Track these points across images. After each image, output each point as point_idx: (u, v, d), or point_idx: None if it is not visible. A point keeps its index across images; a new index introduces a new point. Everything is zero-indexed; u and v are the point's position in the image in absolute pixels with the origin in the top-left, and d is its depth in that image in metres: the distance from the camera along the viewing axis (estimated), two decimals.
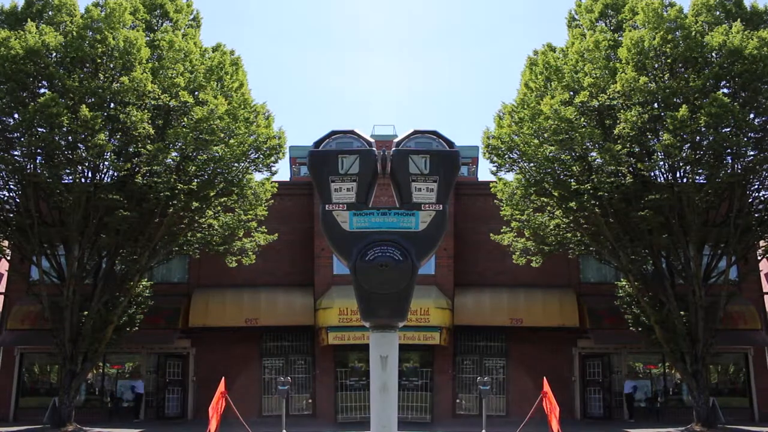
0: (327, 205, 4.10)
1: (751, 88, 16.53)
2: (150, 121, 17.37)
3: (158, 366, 22.04)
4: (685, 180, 17.78)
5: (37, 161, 17.63)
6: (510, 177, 19.98)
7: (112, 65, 17.24)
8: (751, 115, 17.10)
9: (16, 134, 17.30)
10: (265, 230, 20.56)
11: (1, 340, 21.62)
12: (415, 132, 4.41)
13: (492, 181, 20.82)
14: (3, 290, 23.06)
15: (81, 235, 17.74)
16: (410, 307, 4.24)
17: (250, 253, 20.37)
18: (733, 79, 16.86)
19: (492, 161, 19.20)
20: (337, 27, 63.84)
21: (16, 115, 17.07)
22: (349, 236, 4.06)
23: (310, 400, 21.95)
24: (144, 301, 19.86)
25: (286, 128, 20.37)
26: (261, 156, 18.95)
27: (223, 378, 16.33)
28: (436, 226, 4.08)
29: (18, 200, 18.24)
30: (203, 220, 19.16)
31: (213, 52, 19.29)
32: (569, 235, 19.66)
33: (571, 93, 17.77)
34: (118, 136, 17.42)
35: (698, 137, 16.62)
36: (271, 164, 19.35)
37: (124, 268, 18.89)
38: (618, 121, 17.23)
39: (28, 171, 17.45)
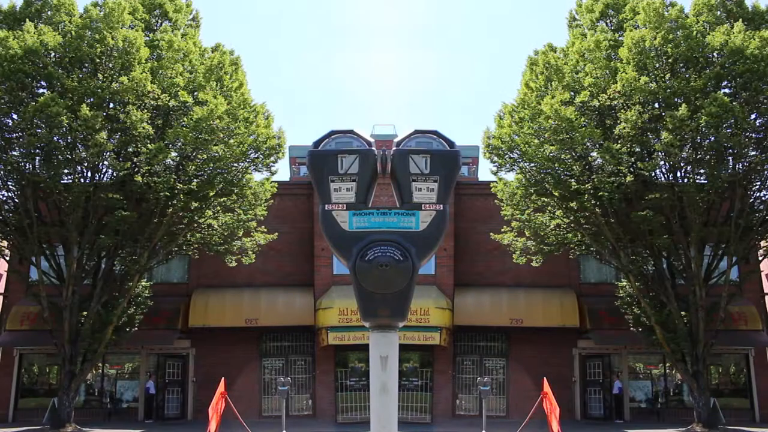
0: (327, 205, 4.08)
1: (753, 87, 16.50)
2: (149, 121, 17.35)
3: (158, 366, 22.00)
4: (685, 180, 17.76)
5: (36, 161, 17.60)
6: (510, 177, 19.98)
7: (111, 65, 17.22)
8: (753, 116, 17.07)
9: (14, 134, 17.27)
10: (265, 230, 20.54)
11: (0, 341, 21.59)
12: (416, 132, 4.41)
13: (492, 181, 20.80)
14: (2, 291, 23.03)
15: (80, 235, 17.72)
16: (410, 307, 4.21)
17: (250, 252, 20.35)
18: (735, 79, 16.82)
19: (492, 161, 19.19)
20: (338, 26, 63.86)
21: (14, 116, 17.05)
22: (348, 236, 4.04)
23: (310, 401, 21.93)
24: (143, 302, 19.83)
25: (285, 128, 20.38)
26: (261, 156, 18.93)
27: (222, 378, 16.32)
28: (437, 226, 4.06)
29: (17, 200, 18.20)
30: (203, 220, 19.13)
31: (212, 52, 19.27)
32: (569, 235, 19.63)
33: (572, 93, 17.75)
34: (117, 136, 17.39)
35: (699, 137, 16.60)
36: (271, 164, 19.35)
37: (123, 269, 18.86)
38: (618, 121, 17.21)
39: (27, 171, 17.43)
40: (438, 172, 4.07)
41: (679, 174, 18.00)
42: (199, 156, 18.01)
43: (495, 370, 22.19)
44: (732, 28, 16.77)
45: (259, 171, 19.58)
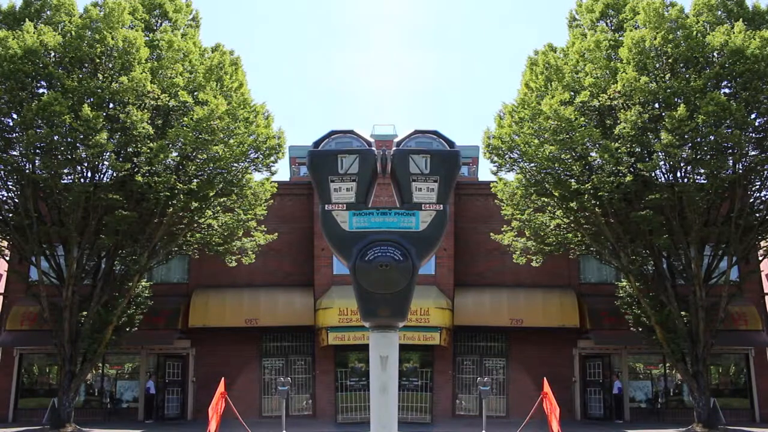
0: (327, 205, 4.08)
1: (753, 87, 16.49)
2: (149, 121, 17.34)
3: (158, 366, 22.00)
4: (685, 180, 17.75)
5: (36, 161, 17.59)
6: (510, 177, 19.98)
7: (111, 65, 17.21)
8: (753, 116, 17.06)
9: (14, 134, 17.26)
10: (265, 230, 20.54)
11: (0, 341, 21.59)
12: (416, 132, 4.41)
13: (492, 181, 20.80)
14: (2, 291, 23.02)
15: (80, 235, 17.71)
16: (410, 307, 4.20)
17: (250, 252, 20.34)
18: (735, 79, 16.82)
19: (492, 161, 19.19)
20: (337, 26, 63.87)
21: (14, 115, 17.04)
22: (348, 236, 4.04)
23: (310, 401, 21.92)
24: (143, 302, 19.82)
25: (285, 128, 20.41)
26: (260, 156, 18.93)
27: (222, 378, 16.32)
28: (437, 226, 4.06)
29: (17, 200, 18.19)
30: (203, 220, 19.13)
31: (212, 52, 19.26)
32: (570, 235, 19.63)
33: (572, 93, 17.75)
34: (117, 136, 17.39)
35: (698, 137, 16.59)
36: (271, 164, 19.34)
37: (123, 269, 18.86)
38: (618, 121, 17.21)
39: (27, 171, 17.41)
40: (438, 172, 4.07)
41: (679, 174, 17.99)
42: (199, 156, 18.01)
43: (495, 370, 22.19)
44: (732, 28, 16.76)
45: (259, 171, 19.60)
